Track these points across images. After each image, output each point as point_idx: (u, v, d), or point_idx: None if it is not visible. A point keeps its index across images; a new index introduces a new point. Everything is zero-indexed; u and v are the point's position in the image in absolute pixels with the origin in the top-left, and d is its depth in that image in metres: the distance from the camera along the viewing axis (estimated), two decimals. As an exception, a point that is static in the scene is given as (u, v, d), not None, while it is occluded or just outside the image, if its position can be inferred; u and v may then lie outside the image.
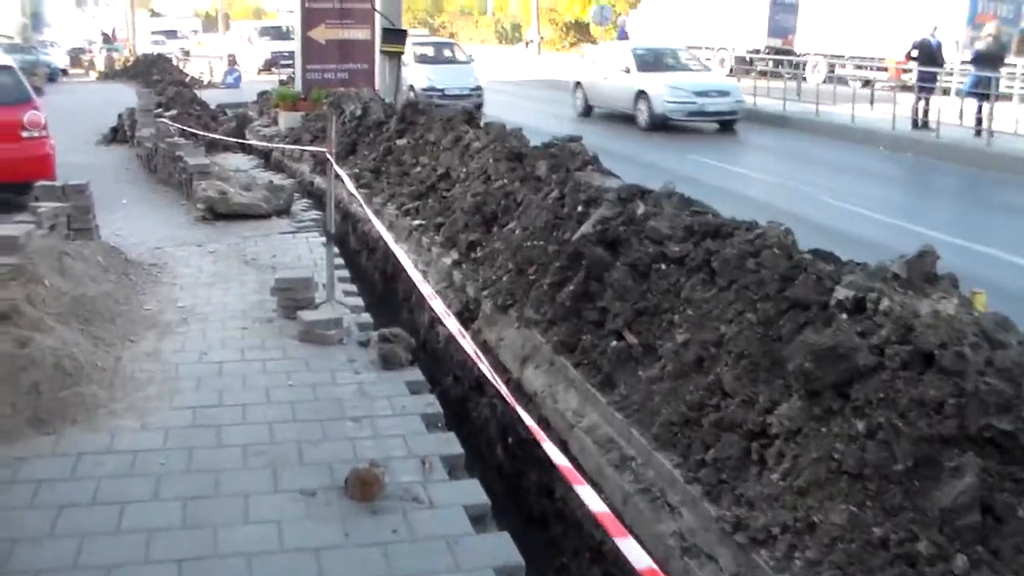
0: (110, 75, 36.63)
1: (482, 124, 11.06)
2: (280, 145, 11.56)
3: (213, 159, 12.26)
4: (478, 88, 23.84)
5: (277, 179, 11.89)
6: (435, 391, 7.69)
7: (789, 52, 30.30)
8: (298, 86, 17.84)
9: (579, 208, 7.09)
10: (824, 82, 25.00)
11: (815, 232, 8.44)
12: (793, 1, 31.61)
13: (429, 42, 29.02)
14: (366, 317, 6.55)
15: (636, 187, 6.69)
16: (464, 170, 9.91)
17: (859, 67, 29.17)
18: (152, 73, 30.71)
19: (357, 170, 11.84)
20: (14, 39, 38.94)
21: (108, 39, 47.52)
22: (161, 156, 12.18)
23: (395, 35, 16.71)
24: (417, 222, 9.54)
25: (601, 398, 5.22)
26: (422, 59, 24.81)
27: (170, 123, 12.34)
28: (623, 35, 30.70)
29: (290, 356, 5.69)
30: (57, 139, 16.97)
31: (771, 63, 28.56)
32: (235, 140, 13.16)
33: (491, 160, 9.35)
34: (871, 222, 11.18)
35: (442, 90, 22.76)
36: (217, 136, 11.85)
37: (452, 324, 5.59)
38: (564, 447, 5.45)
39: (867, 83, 26.94)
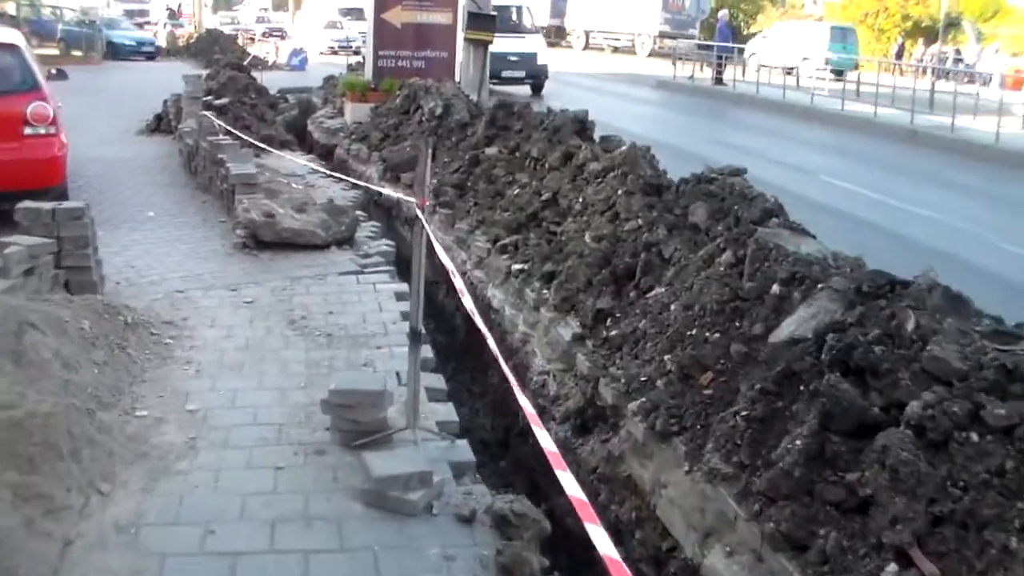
0: (172, 52, 34.98)
1: (597, 138, 8.83)
2: (353, 180, 9.41)
3: (264, 160, 10.16)
4: None
5: (339, 192, 9.77)
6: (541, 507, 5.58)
7: (562, 28, 44.45)
8: (368, 74, 15.71)
9: (775, 289, 4.83)
10: (583, 48, 40.47)
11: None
12: None
13: None
14: (464, 450, 4.34)
15: (882, 275, 4.37)
16: (579, 199, 7.69)
17: (607, 38, 41.74)
18: (214, 51, 28.95)
19: (436, 182, 9.65)
20: (76, 12, 37.37)
21: (173, 15, 45.92)
22: (202, 157, 10.12)
23: (483, 21, 14.58)
24: (518, 266, 7.35)
25: (882, 675, 2.97)
26: None
27: (213, 118, 10.25)
28: (724, 32, 27.90)
29: (348, 544, 3.47)
30: (96, 127, 15.15)
31: (552, 34, 41.19)
32: (286, 155, 11.00)
33: (620, 192, 7.11)
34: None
35: None
36: (265, 147, 9.70)
37: (547, 441, 3.36)
38: None
39: (615, 50, 39.80)
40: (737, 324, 4.90)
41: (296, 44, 32.62)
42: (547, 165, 8.60)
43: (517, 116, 10.39)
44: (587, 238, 6.98)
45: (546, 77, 24.10)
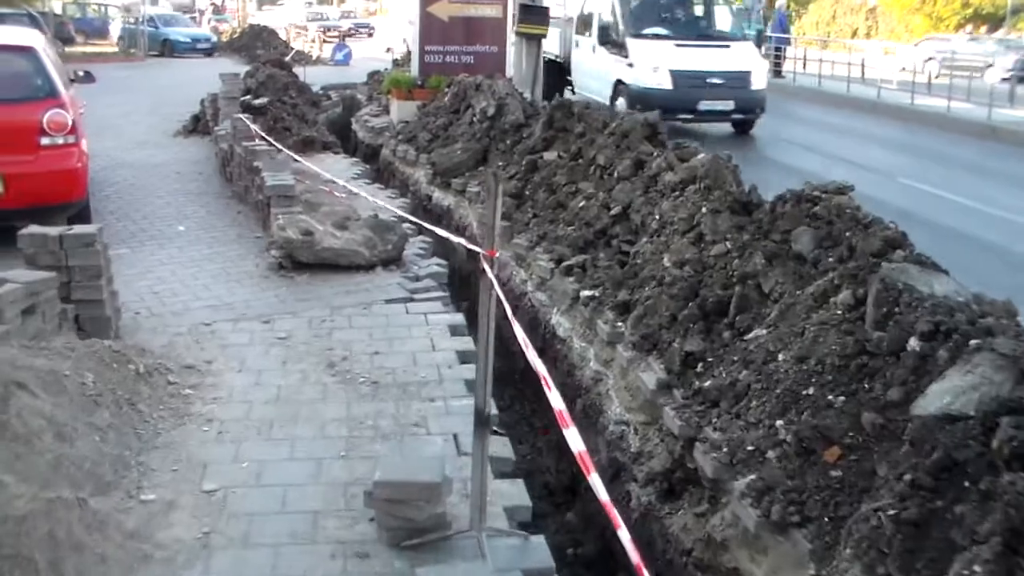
0: (216, 47, 34.55)
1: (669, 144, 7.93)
2: (425, 224, 8.49)
3: (302, 164, 9.38)
4: None
5: (384, 200, 8.96)
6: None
7: None
8: (414, 70, 14.95)
9: (914, 344, 3.94)
10: None
11: None
12: None
13: None
14: (540, 551, 3.49)
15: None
16: (655, 216, 6.81)
17: None
18: (257, 46, 28.47)
19: (490, 190, 8.81)
20: (119, 9, 37.17)
21: (217, 9, 45.56)
22: (237, 163, 9.38)
23: (535, 13, 13.77)
24: (587, 292, 6.51)
25: None
26: None
27: (248, 121, 9.52)
28: (782, 22, 26.81)
29: None
30: (131, 128, 14.53)
31: None
32: (326, 160, 10.20)
33: (704, 210, 6.23)
34: None
35: None
36: (300, 159, 8.86)
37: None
38: None
39: None
40: (866, 386, 4.01)
41: (389, 41, 31.88)
42: (615, 174, 7.73)
43: (578, 118, 9.53)
44: (666, 262, 6.11)
45: (762, 110, 15.92)
